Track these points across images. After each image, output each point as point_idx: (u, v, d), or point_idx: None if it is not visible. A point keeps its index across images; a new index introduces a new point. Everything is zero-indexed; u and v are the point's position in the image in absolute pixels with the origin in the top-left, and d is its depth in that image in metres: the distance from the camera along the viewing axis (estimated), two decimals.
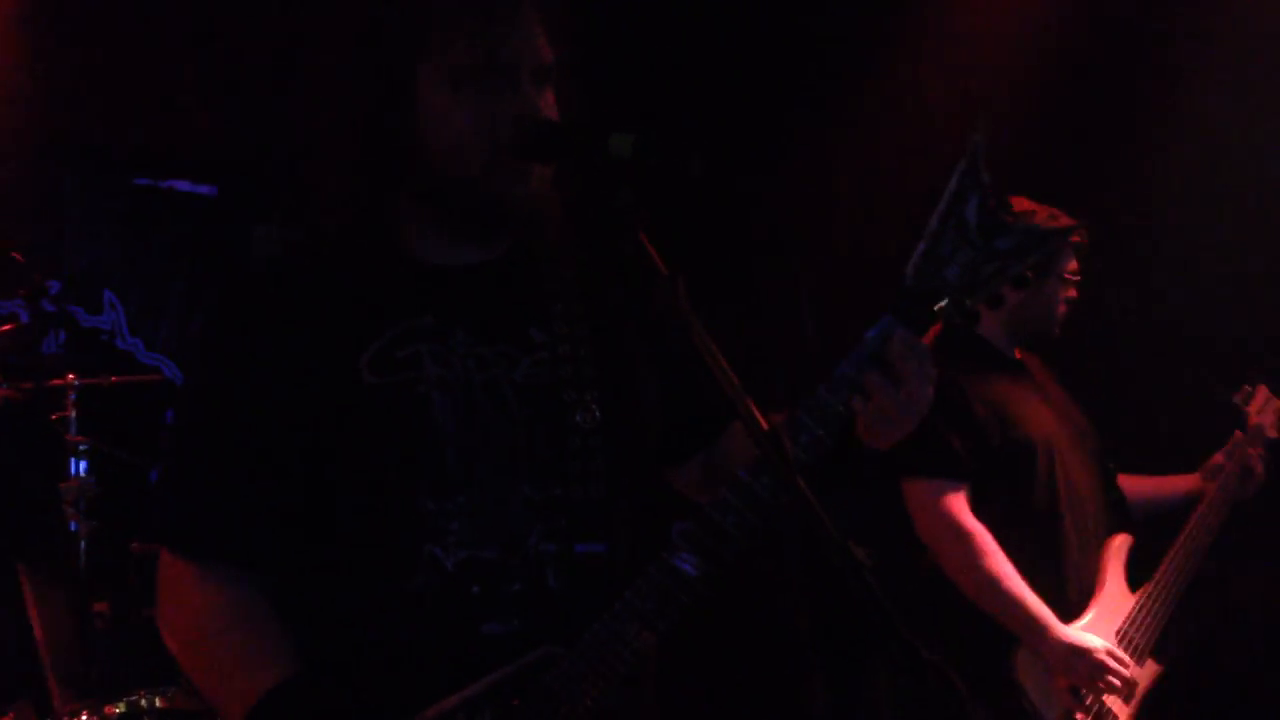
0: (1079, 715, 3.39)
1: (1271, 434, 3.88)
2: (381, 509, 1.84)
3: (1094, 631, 3.50)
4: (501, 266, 1.97)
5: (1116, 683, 3.39)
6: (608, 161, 1.72)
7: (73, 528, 4.46)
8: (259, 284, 1.96)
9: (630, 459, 1.96)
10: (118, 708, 3.97)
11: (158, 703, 3.99)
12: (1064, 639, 3.40)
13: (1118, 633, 3.55)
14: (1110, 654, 3.40)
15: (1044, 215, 3.60)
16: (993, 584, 3.43)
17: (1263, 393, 3.94)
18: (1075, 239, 3.69)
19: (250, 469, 1.86)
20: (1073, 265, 3.72)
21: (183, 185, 4.70)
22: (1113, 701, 3.45)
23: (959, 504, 3.48)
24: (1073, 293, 3.74)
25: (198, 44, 4.72)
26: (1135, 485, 3.94)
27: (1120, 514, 3.79)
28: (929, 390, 1.80)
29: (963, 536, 3.45)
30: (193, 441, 1.92)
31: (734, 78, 5.03)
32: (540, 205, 1.90)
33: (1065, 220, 3.63)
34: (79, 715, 3.97)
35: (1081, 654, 3.38)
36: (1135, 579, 3.69)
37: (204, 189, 4.69)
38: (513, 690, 1.78)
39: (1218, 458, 3.85)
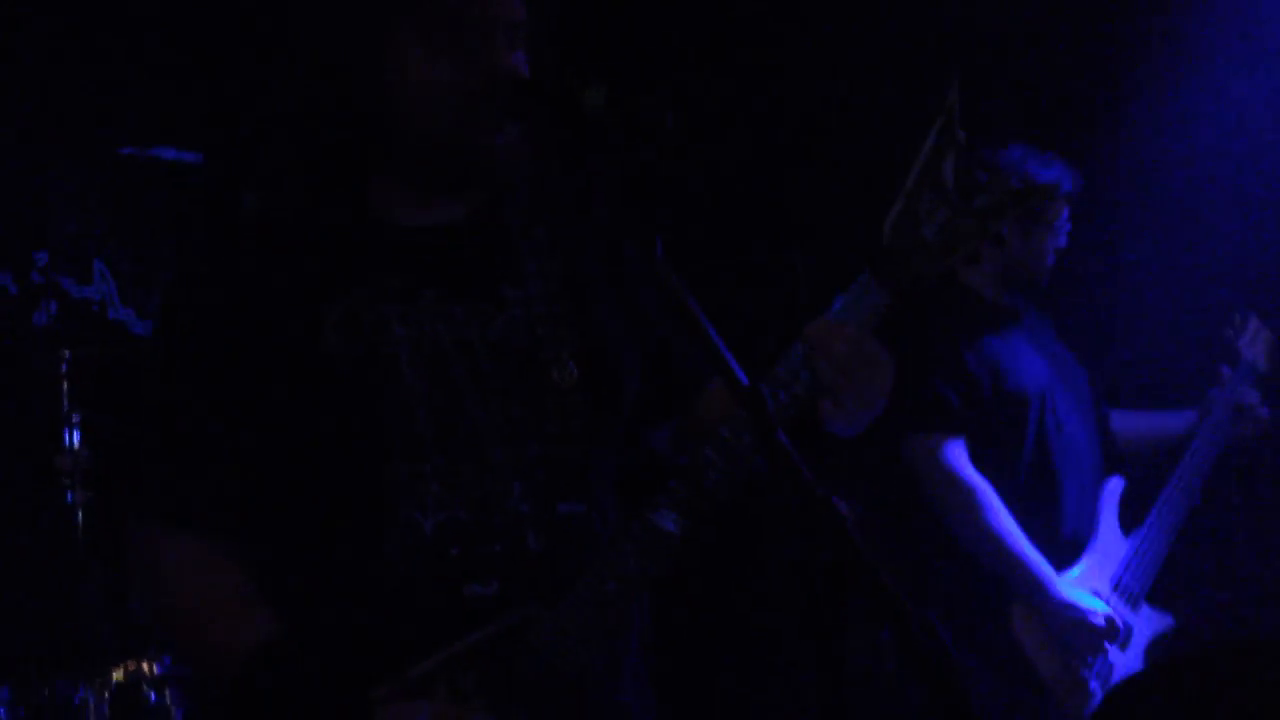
0: (1080, 669, 3.41)
1: (1263, 367, 3.77)
2: (354, 473, 1.83)
3: (1089, 581, 3.51)
4: (472, 224, 1.96)
5: (1110, 647, 3.42)
6: (581, 116, 1.70)
7: (69, 499, 4.46)
8: (220, 250, 1.95)
9: (609, 417, 1.95)
10: (117, 675, 3.98)
11: (157, 670, 4.00)
12: (1064, 601, 3.41)
13: (1114, 581, 3.56)
14: (1109, 620, 3.42)
15: (1038, 160, 3.59)
16: (995, 540, 3.42)
17: (1252, 322, 3.80)
18: (1067, 190, 3.67)
19: (221, 435, 1.85)
20: (1063, 214, 3.70)
21: (168, 153, 4.67)
22: (1111, 653, 3.47)
23: (960, 457, 3.47)
24: (1062, 241, 3.72)
25: (179, 9, 4.67)
26: (1134, 422, 3.92)
27: (1114, 457, 3.78)
28: (882, 372, 1.79)
29: (965, 490, 3.44)
30: (162, 409, 1.91)
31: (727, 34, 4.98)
32: (513, 161, 1.89)
33: (1059, 165, 3.62)
34: (77, 685, 3.98)
35: (1079, 624, 3.40)
36: (1131, 520, 3.69)
37: (189, 156, 4.66)
38: (495, 650, 1.77)
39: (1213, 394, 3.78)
